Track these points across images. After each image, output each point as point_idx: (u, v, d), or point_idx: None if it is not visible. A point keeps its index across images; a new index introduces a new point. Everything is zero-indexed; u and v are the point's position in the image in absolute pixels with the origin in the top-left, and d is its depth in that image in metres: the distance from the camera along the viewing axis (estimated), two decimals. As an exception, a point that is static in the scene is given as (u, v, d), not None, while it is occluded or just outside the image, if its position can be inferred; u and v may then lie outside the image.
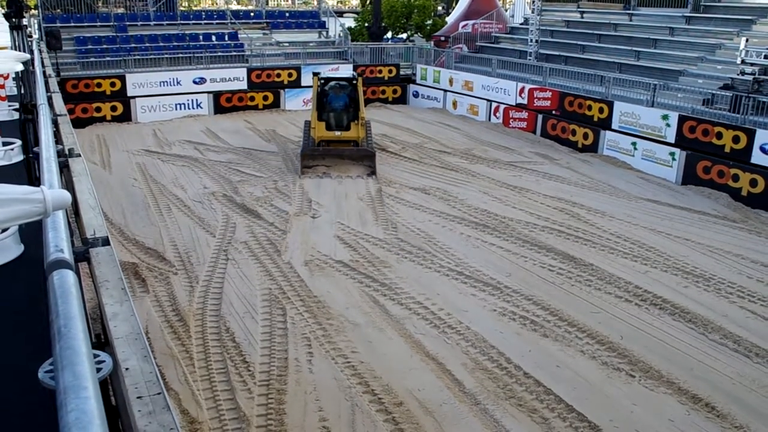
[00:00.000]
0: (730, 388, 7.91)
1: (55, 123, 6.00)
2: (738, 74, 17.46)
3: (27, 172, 4.97)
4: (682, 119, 16.77)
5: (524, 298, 10.06)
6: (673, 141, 16.96)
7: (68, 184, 4.51)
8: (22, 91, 8.26)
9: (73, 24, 24.80)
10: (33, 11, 27.14)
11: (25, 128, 6.56)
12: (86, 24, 25.07)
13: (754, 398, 7.73)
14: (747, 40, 18.02)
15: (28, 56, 8.40)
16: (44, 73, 10.74)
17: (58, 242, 2.10)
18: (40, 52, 15.65)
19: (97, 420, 1.19)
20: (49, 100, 7.18)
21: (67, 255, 2.04)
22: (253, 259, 11.36)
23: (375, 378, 7.91)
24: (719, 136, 15.83)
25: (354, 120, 16.80)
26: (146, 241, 12.05)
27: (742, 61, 17.42)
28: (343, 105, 16.98)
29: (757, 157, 14.97)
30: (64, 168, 4.68)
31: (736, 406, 7.53)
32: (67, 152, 4.83)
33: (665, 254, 11.88)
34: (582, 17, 26.49)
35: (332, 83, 17.12)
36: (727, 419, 7.32)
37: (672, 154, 16.91)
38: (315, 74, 17.94)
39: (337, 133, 16.76)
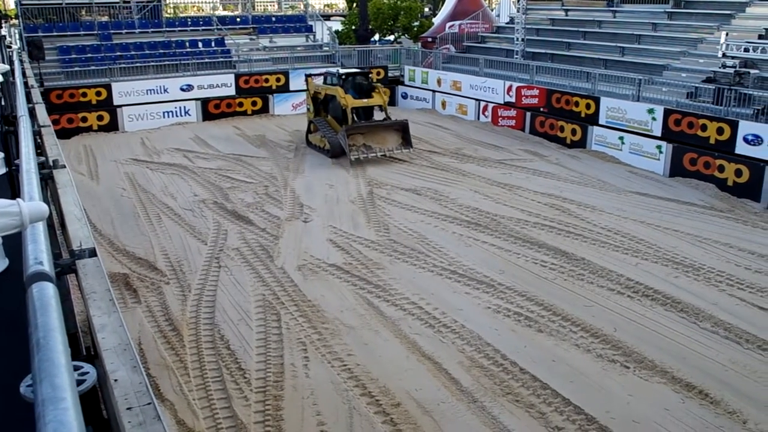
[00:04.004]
0: (722, 374, 7.98)
1: (38, 134, 5.96)
2: (720, 67, 17.66)
3: (10, 185, 4.93)
4: (667, 113, 16.92)
5: (518, 294, 10.08)
6: (659, 134, 17.10)
7: (53, 195, 4.48)
8: (3, 103, 8.18)
9: (55, 33, 24.64)
10: (14, 21, 26.95)
11: (7, 140, 6.50)
12: (69, 33, 24.90)
13: (746, 384, 7.80)
14: (727, 34, 18.27)
15: (7, 67, 8.34)
16: (26, 83, 10.68)
17: (38, 255, 2.08)
18: (22, 62, 15.53)
19: (76, 431, 1.17)
20: (32, 111, 7.13)
21: (47, 267, 2.03)
22: (245, 266, 11.32)
23: (372, 380, 7.91)
24: (704, 128, 15.96)
25: (373, 90, 19.03)
26: (137, 251, 11.99)
27: (723, 55, 17.66)
28: (362, 81, 19.36)
29: (741, 148, 15.14)
30: (48, 180, 4.65)
31: (729, 392, 7.60)
32: (51, 164, 4.80)
33: (655, 246, 11.95)
34: (567, 15, 26.63)
35: (351, 77, 19.35)
36: (720, 405, 7.39)
37: (659, 147, 17.03)
38: (307, 76, 20.86)
39: (365, 100, 18.70)
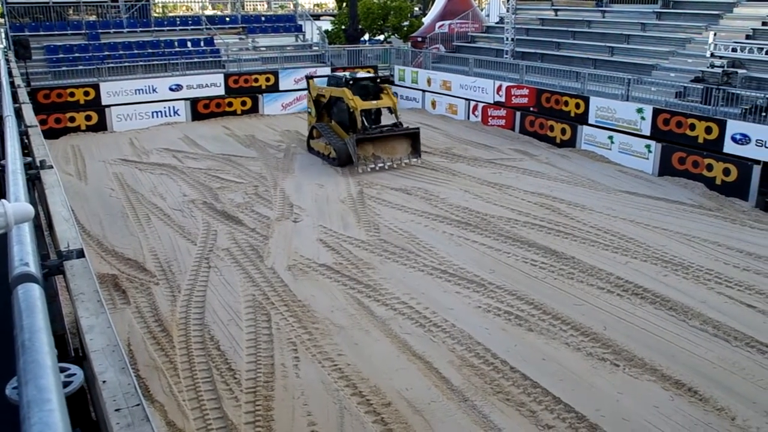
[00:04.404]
0: (711, 372, 8.04)
1: (25, 134, 5.90)
2: (708, 67, 17.80)
3: (-4, 187, 4.88)
4: (656, 112, 17.02)
5: (508, 293, 10.11)
6: (648, 134, 17.20)
7: (40, 196, 4.44)
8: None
9: (42, 32, 24.43)
10: None
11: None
12: (57, 32, 24.68)
13: (735, 381, 7.87)
14: (715, 34, 18.42)
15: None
16: (12, 83, 10.58)
17: (23, 256, 2.06)
18: (8, 62, 15.38)
19: (62, 432, 1.16)
20: (18, 111, 7.06)
21: (33, 268, 2.00)
22: (235, 266, 11.28)
23: (362, 380, 7.90)
24: (692, 127, 16.07)
25: (381, 92, 17.89)
26: (125, 251, 11.91)
27: (712, 55, 17.81)
28: (368, 84, 18.11)
29: (729, 147, 15.25)
30: (36, 180, 4.60)
31: (718, 389, 7.66)
32: (38, 164, 4.75)
33: (644, 244, 12.02)
34: (556, 15, 26.74)
35: (360, 82, 18.01)
36: (709, 402, 7.44)
37: (648, 146, 17.13)
38: (308, 77, 19.86)
39: (374, 101, 17.61)
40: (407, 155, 17.62)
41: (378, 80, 18.59)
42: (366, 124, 17.28)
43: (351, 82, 17.71)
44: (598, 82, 19.64)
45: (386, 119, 18.44)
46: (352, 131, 17.28)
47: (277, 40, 28.08)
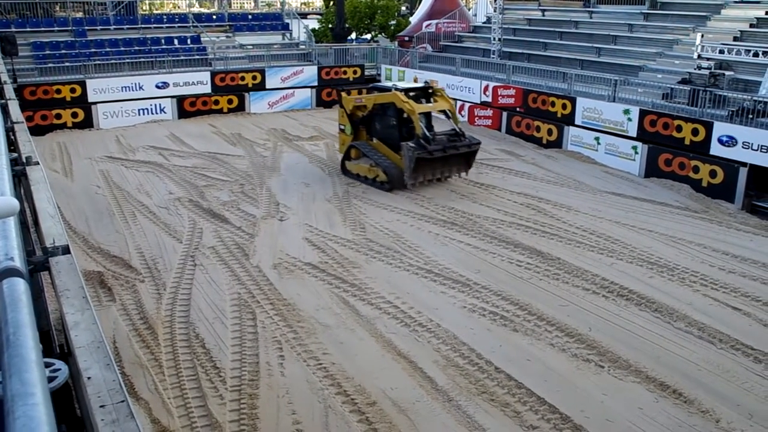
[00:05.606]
0: (695, 374, 8.11)
1: (11, 131, 5.85)
2: (695, 69, 17.96)
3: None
4: (643, 113, 17.13)
5: (493, 293, 10.15)
6: (635, 135, 17.31)
7: (26, 192, 4.41)
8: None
9: (29, 29, 24.22)
10: None
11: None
12: (43, 29, 24.50)
13: (719, 383, 7.93)
14: (702, 36, 18.57)
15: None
16: (-2, 79, 10.47)
17: (8, 250, 2.05)
18: (-7, 58, 15.22)
19: (46, 426, 1.16)
20: (4, 107, 7.00)
21: (18, 263, 1.99)
22: (221, 264, 11.24)
23: (347, 379, 7.90)
24: (679, 129, 16.20)
25: (433, 95, 16.14)
26: (111, 249, 11.83)
27: (699, 56, 17.96)
28: (420, 95, 16.16)
29: (716, 149, 15.37)
30: (22, 176, 4.57)
31: (702, 391, 7.73)
32: (24, 160, 4.71)
33: (630, 246, 12.11)
34: (543, 15, 26.88)
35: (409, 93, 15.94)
36: (693, 404, 7.50)
37: (634, 147, 17.25)
38: (339, 90, 18.50)
39: (430, 105, 15.87)
40: (458, 170, 16.10)
41: (429, 90, 16.43)
42: (426, 131, 14.99)
43: (404, 91, 15.66)
44: (584, 83, 19.77)
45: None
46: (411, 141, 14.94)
47: (264, 39, 27.99)
